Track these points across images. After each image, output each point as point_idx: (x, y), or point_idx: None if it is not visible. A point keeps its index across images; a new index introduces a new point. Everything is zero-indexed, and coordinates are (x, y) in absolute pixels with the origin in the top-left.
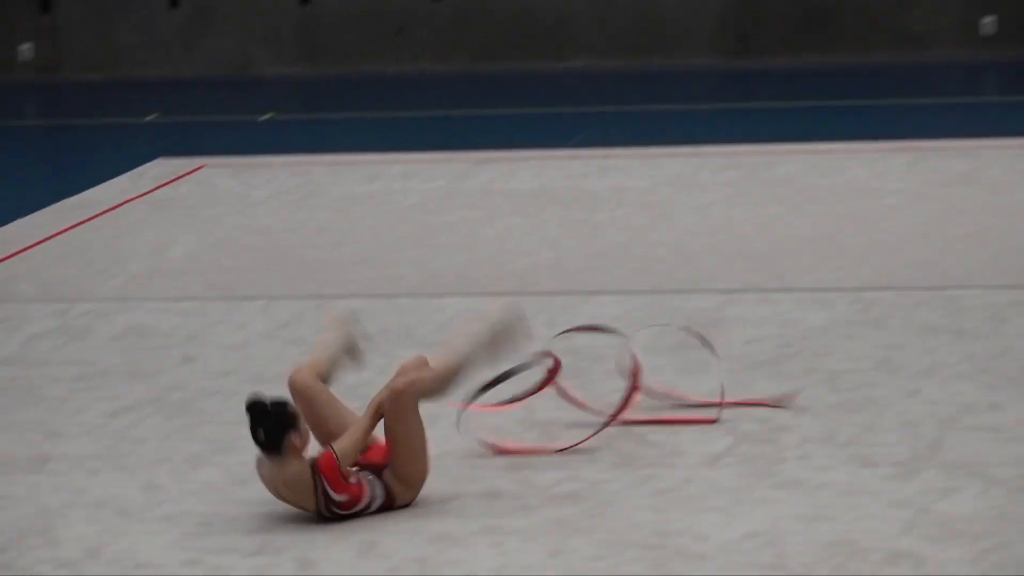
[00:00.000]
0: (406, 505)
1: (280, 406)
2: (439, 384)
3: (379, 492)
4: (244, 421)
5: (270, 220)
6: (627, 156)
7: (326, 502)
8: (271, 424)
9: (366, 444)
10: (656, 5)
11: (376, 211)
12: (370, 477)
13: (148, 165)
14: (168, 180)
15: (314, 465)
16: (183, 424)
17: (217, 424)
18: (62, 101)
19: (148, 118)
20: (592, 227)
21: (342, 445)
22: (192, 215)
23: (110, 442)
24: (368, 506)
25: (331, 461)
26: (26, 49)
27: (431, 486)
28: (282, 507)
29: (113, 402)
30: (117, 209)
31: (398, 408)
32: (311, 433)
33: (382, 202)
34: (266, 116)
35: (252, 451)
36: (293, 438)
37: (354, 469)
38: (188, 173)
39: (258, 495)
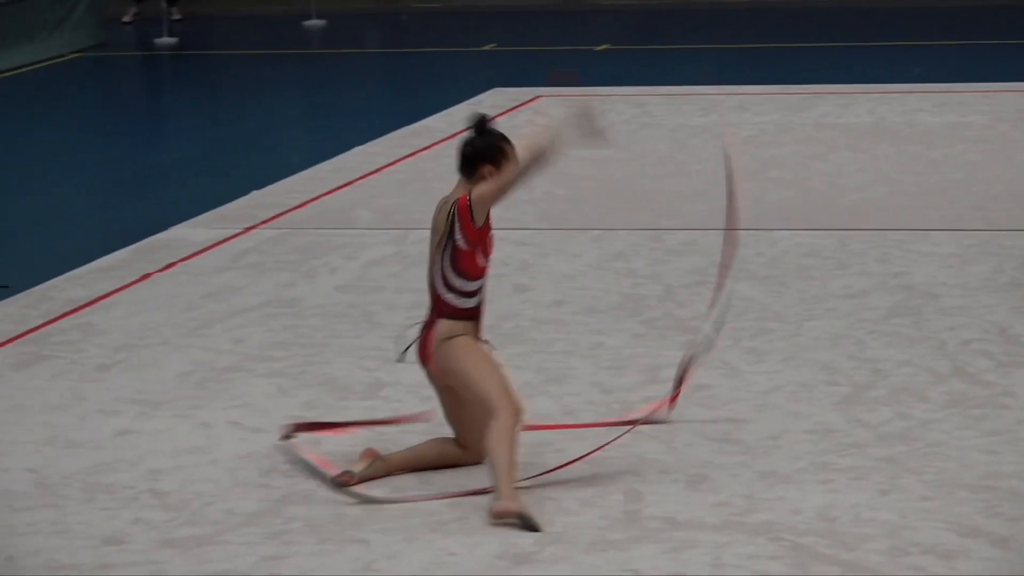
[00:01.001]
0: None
1: (502, 138)
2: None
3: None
4: (577, 352)
5: (606, 151)
6: (965, 91)
7: (450, 247)
8: (483, 138)
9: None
10: None
11: (710, 144)
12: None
13: (484, 95)
14: (504, 110)
15: (455, 204)
16: (515, 353)
17: (548, 354)
18: (401, 31)
19: (486, 48)
20: (927, 163)
21: (480, 188)
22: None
23: None
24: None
25: (464, 204)
26: None
27: (761, 426)
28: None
29: None
30: (453, 138)
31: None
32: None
33: (716, 135)
34: (602, 47)
35: (583, 381)
36: (487, 163)
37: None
38: (524, 103)
39: (582, 431)
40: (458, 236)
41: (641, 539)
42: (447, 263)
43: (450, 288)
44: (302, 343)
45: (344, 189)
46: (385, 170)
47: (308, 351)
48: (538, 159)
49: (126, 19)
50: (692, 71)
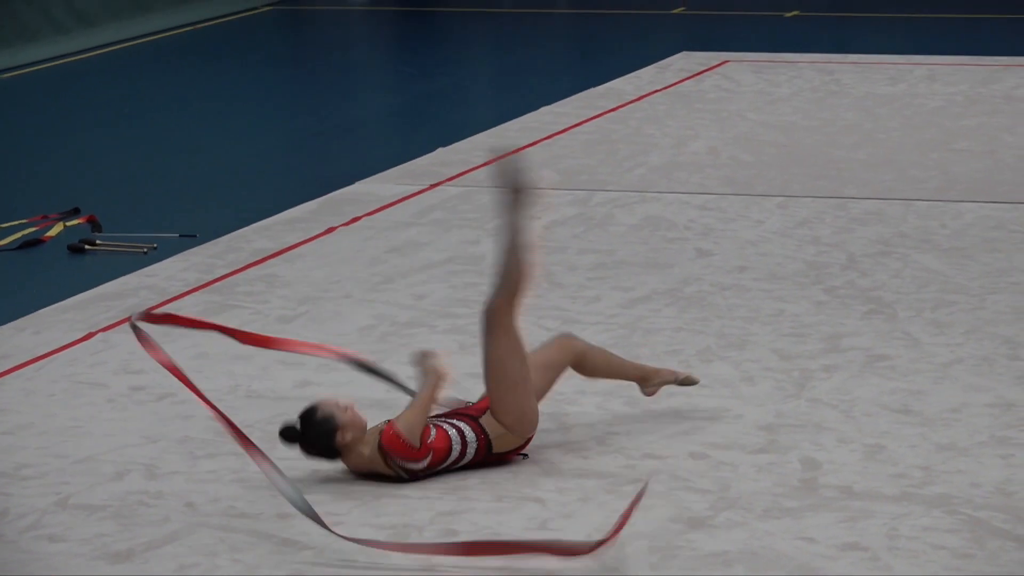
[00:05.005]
0: (514, 452)
1: (308, 419)
2: (508, 281)
3: (470, 438)
4: (757, 318)
5: (792, 118)
6: None
7: (408, 473)
8: (312, 440)
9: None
10: None
11: (898, 113)
12: (454, 424)
13: (672, 58)
14: (692, 74)
15: (379, 446)
16: (695, 318)
17: (729, 319)
18: None
19: (675, 11)
20: None
21: (404, 416)
22: (714, 109)
23: (623, 332)
24: (459, 458)
25: (392, 437)
26: None
27: (941, 398)
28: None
29: (628, 292)
30: (640, 101)
31: (486, 325)
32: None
33: (905, 105)
34: (791, 13)
35: (763, 348)
36: (338, 439)
37: (432, 418)
38: (712, 68)
39: (760, 397)
40: (412, 466)
41: (817, 507)
42: (412, 473)
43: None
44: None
45: (530, 148)
46: (571, 131)
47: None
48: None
49: None
50: (880, 41)
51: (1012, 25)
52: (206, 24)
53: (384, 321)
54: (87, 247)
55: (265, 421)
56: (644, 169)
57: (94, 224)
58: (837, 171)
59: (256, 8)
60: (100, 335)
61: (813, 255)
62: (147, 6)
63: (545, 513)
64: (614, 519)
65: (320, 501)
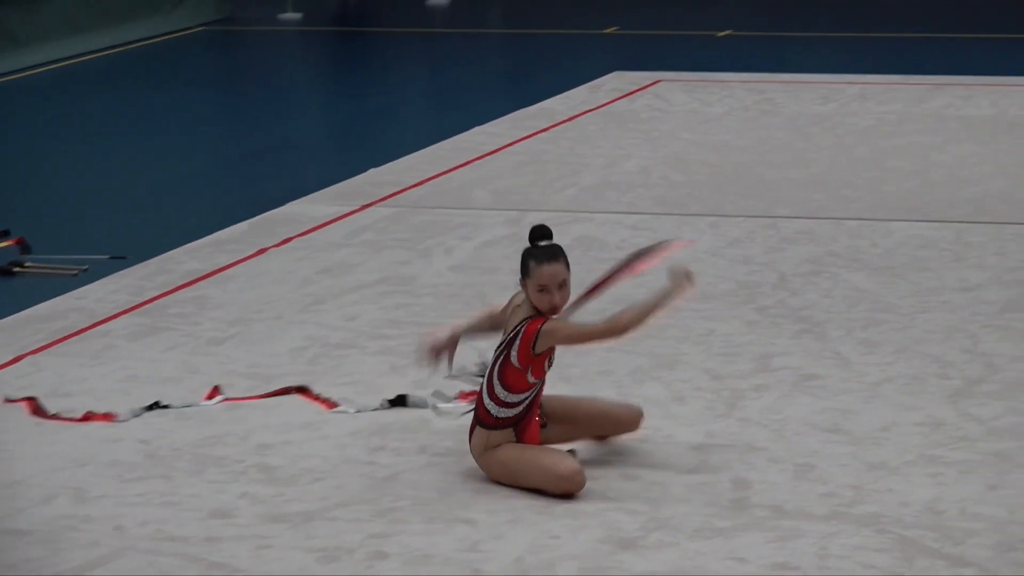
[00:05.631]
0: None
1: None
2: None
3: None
4: (688, 338)
5: (724, 137)
6: None
7: (503, 357)
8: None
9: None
10: None
11: (830, 133)
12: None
13: (605, 78)
14: (624, 94)
15: (527, 319)
16: (627, 338)
17: (660, 339)
18: (524, 12)
19: (607, 31)
20: None
21: (557, 327)
22: (646, 129)
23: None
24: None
25: (534, 329)
26: None
27: (871, 417)
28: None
29: None
30: (572, 121)
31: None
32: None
33: (836, 124)
34: (724, 33)
35: (694, 368)
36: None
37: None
38: (644, 87)
39: (691, 417)
40: (513, 353)
41: (748, 527)
42: (496, 371)
43: (492, 396)
44: (415, 322)
45: (461, 169)
46: (503, 151)
47: (421, 330)
48: (613, 332)
49: None
50: (812, 60)
51: (943, 45)
52: (138, 45)
53: (315, 342)
54: (16, 269)
55: (194, 444)
56: (576, 189)
57: (23, 246)
58: (768, 191)
59: (188, 28)
60: (28, 358)
61: (744, 275)
62: (79, 27)
63: (476, 534)
64: (544, 540)
65: (248, 524)
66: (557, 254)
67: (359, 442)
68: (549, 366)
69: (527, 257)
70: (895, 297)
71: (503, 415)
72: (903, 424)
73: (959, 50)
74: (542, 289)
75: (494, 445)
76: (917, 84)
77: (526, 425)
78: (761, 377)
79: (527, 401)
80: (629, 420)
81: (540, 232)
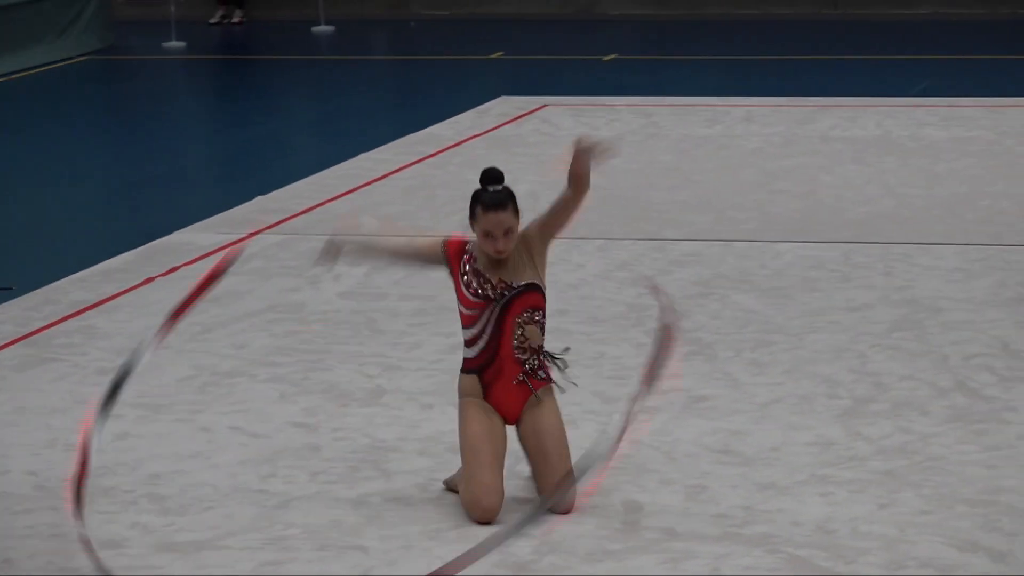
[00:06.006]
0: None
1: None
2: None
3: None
4: (578, 361)
5: (612, 160)
6: (971, 106)
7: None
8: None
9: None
10: None
11: (716, 155)
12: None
13: (491, 103)
14: (511, 118)
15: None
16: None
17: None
18: (409, 38)
19: (494, 56)
20: (932, 177)
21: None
22: (533, 153)
23: (445, 378)
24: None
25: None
26: None
27: (761, 437)
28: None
29: (449, 338)
30: (459, 146)
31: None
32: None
33: (722, 146)
34: (609, 57)
35: (585, 391)
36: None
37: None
38: (531, 112)
39: (582, 440)
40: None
41: (640, 549)
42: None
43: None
44: (304, 349)
45: (349, 195)
46: (391, 177)
47: (310, 357)
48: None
49: (235, 19)
50: (698, 82)
51: (827, 66)
52: (21, 75)
53: (204, 371)
54: None
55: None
56: (465, 215)
57: None
58: (656, 213)
59: (72, 58)
60: None
61: (633, 297)
62: None
63: (368, 561)
64: (437, 565)
65: (139, 554)
66: (505, 202)
67: (250, 470)
68: (475, 295)
69: (475, 200)
70: (784, 318)
71: (465, 355)
72: (793, 444)
73: (843, 71)
74: (487, 235)
75: (463, 391)
76: (802, 106)
77: (493, 379)
78: (651, 399)
79: (480, 344)
80: (548, 486)
81: (490, 176)
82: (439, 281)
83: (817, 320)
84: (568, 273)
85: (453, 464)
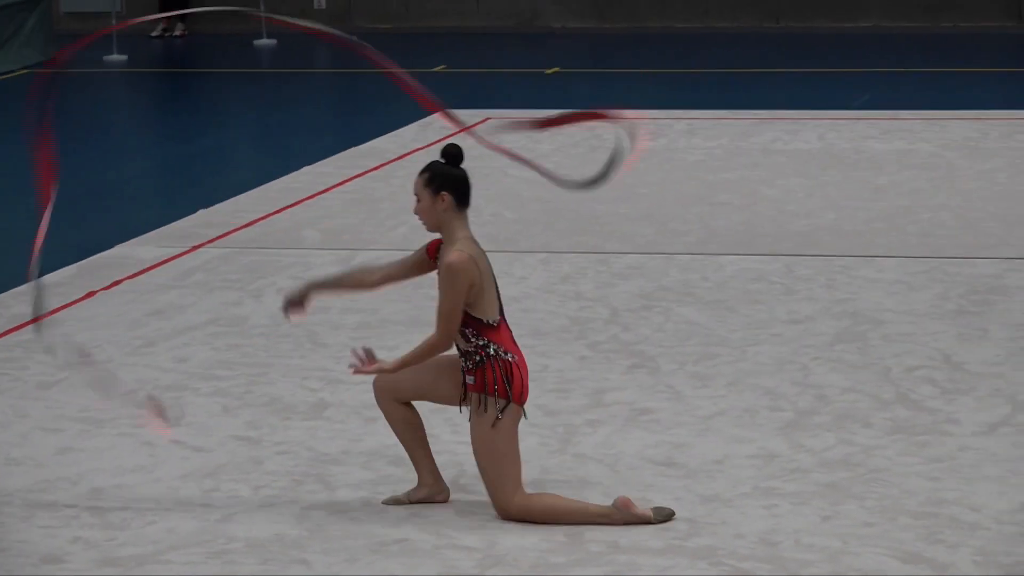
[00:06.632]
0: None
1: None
2: None
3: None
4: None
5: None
6: (912, 119)
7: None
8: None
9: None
10: None
11: (658, 168)
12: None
13: (434, 116)
14: (453, 132)
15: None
16: None
17: None
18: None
19: (436, 69)
20: (874, 190)
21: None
22: (476, 167)
23: None
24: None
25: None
26: None
27: (704, 450)
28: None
29: (392, 351)
30: (403, 159)
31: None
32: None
33: (665, 159)
34: (552, 70)
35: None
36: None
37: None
38: (474, 125)
39: (526, 453)
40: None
41: (583, 562)
42: None
43: None
44: (246, 362)
45: (292, 209)
46: (333, 190)
47: (252, 371)
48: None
49: (176, 32)
50: (641, 95)
51: (769, 79)
52: None
53: (146, 385)
54: None
55: (26, 490)
56: (407, 228)
57: None
58: (599, 226)
59: (12, 72)
60: None
61: (576, 310)
62: None
63: (312, 574)
64: None
65: (81, 569)
66: (424, 171)
67: (192, 484)
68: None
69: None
70: (726, 330)
71: None
72: (736, 456)
73: (785, 84)
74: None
75: None
76: (744, 119)
77: None
78: (595, 412)
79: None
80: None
81: (444, 150)
82: (382, 295)
83: (760, 333)
84: (511, 286)
85: (396, 478)
